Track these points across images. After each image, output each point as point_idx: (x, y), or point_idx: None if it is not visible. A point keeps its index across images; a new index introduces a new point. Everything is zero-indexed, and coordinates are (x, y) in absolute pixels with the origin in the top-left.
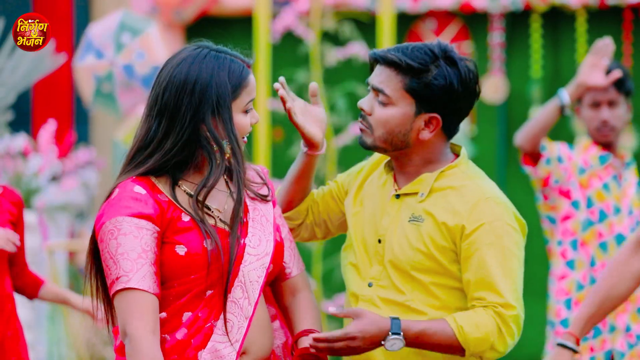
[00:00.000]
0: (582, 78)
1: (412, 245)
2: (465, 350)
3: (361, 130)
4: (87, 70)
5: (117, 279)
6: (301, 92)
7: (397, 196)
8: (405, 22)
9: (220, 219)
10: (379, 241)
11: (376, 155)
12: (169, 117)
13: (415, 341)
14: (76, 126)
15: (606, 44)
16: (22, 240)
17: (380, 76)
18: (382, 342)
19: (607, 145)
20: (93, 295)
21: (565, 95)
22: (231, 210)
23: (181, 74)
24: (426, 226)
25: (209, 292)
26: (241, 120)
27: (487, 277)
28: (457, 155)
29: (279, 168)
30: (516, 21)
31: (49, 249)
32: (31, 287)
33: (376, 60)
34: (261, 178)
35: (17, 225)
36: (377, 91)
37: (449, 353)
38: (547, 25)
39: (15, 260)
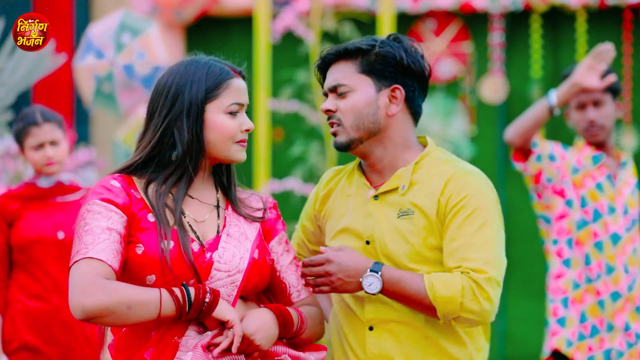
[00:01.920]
0: (578, 79)
1: (408, 240)
2: (436, 309)
3: (334, 133)
4: (87, 71)
5: (77, 252)
6: (301, 92)
7: (376, 197)
8: (406, 22)
9: (191, 227)
10: (367, 242)
11: (325, 177)
12: (148, 118)
13: (391, 287)
14: (76, 126)
15: (607, 49)
16: None
17: (333, 74)
18: (361, 280)
19: (599, 145)
20: None
21: (553, 96)
22: (212, 223)
23: (163, 79)
24: (417, 218)
25: None
26: (223, 122)
27: (461, 246)
28: (424, 146)
29: (278, 168)
30: (516, 21)
31: None
32: None
33: (325, 62)
34: (263, 205)
35: None
36: (335, 88)
37: (420, 310)
38: (547, 26)
39: None
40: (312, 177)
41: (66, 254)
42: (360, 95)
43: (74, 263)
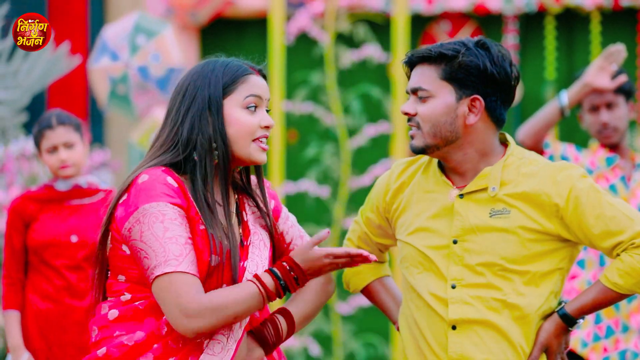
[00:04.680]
0: (589, 79)
1: (507, 239)
2: (633, 293)
3: (411, 136)
4: (102, 72)
5: (165, 262)
6: (315, 93)
7: (461, 196)
8: (420, 24)
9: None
10: (455, 242)
11: (396, 169)
12: (166, 118)
13: (581, 315)
14: (91, 128)
15: (618, 50)
16: None
17: (415, 76)
18: (570, 331)
19: (613, 146)
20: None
21: (564, 97)
22: (236, 228)
23: (182, 80)
24: (514, 217)
25: None
26: (241, 117)
27: (605, 226)
28: (504, 143)
29: (293, 169)
30: (530, 23)
31: None
32: None
33: (411, 62)
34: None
35: None
36: (416, 91)
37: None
38: (561, 27)
39: None
40: (326, 179)
41: (79, 257)
42: (439, 102)
43: (165, 274)
